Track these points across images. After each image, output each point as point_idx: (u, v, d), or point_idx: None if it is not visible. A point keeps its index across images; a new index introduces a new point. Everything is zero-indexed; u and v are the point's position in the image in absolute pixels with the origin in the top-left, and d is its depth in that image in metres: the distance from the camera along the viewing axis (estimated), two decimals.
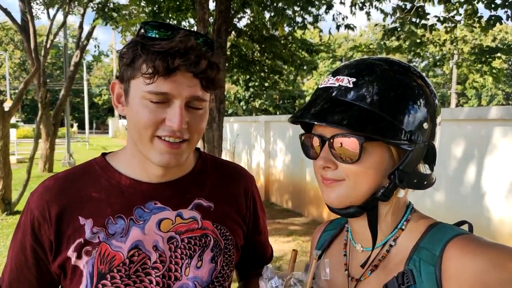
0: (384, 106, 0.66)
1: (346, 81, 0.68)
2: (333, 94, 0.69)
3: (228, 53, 8.63)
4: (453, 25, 4.30)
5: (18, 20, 8.37)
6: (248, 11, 8.02)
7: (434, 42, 4.69)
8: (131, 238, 0.83)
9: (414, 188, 0.70)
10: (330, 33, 7.29)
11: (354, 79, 0.68)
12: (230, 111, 23.49)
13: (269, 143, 7.85)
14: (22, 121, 35.05)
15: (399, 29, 4.02)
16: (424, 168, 0.72)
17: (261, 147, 8.11)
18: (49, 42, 8.68)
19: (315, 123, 0.70)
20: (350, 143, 0.66)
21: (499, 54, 5.64)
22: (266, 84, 10.41)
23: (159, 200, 0.86)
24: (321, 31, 9.44)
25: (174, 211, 0.87)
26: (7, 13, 8.03)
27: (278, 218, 6.48)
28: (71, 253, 0.82)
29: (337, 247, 0.85)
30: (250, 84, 10.54)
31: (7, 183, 6.50)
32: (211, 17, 6.09)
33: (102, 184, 0.86)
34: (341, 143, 0.67)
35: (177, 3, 8.29)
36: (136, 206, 0.85)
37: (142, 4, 8.47)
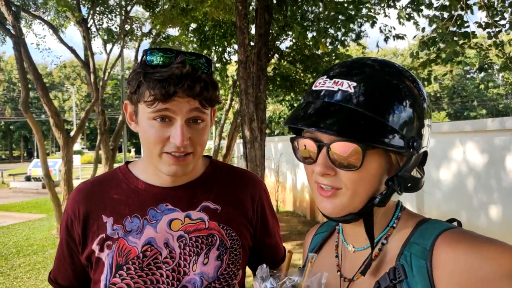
0: (387, 113, 0.64)
1: (346, 85, 0.65)
2: (333, 98, 0.65)
3: (271, 74, 8.85)
4: (497, 29, 4.09)
5: (82, 56, 9.31)
6: (290, 33, 8.23)
7: (477, 48, 4.46)
8: (145, 235, 0.93)
9: (407, 192, 0.70)
10: (377, 46, 7.18)
11: (354, 84, 0.65)
12: (276, 131, 23.64)
13: None
14: (86, 148, 37.99)
15: (436, 39, 3.90)
16: (416, 172, 0.72)
17: None
18: (106, 74, 9.50)
19: (315, 130, 0.66)
20: (352, 151, 0.63)
21: None
22: None
23: (169, 202, 0.96)
24: (364, 48, 9.34)
25: (183, 212, 0.96)
26: (72, 51, 8.96)
27: None
28: (95, 246, 0.94)
29: (329, 249, 0.85)
30: (295, 104, 10.65)
31: None
32: (252, 42, 6.33)
33: (123, 187, 0.99)
34: (342, 150, 0.64)
35: (222, 31, 8.75)
36: (149, 207, 0.96)
37: (190, 34, 9.05)
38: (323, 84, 0.68)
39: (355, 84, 0.65)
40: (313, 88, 0.70)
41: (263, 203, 1.09)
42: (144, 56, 0.87)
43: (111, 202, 0.97)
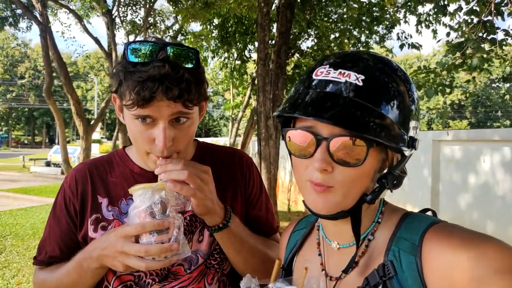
0: (395, 111, 0.62)
1: (354, 77, 0.61)
2: (340, 90, 0.61)
3: (291, 73, 8.81)
4: None
5: (106, 47, 9.49)
6: (312, 32, 8.16)
7: (503, 57, 4.29)
8: None
9: (391, 189, 0.69)
10: (391, 51, 7.11)
11: (362, 77, 0.61)
12: None
13: None
14: (105, 137, 38.77)
15: (464, 44, 3.76)
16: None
17: None
18: None
19: (331, 124, 0.60)
20: (357, 147, 0.60)
21: None
22: None
23: None
24: (388, 50, 9.21)
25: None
26: (96, 41, 9.15)
27: None
28: (89, 226, 0.96)
29: (310, 247, 0.81)
30: None
31: None
32: (273, 40, 6.31)
33: (119, 171, 1.01)
34: (346, 145, 0.61)
35: (244, 27, 8.75)
36: None
37: (213, 29, 9.09)
38: (327, 74, 0.63)
39: (363, 77, 0.61)
40: (314, 77, 0.65)
41: (251, 177, 1.11)
42: (126, 51, 0.82)
43: (106, 184, 0.99)
